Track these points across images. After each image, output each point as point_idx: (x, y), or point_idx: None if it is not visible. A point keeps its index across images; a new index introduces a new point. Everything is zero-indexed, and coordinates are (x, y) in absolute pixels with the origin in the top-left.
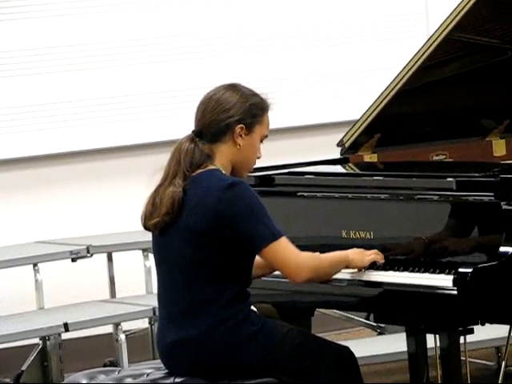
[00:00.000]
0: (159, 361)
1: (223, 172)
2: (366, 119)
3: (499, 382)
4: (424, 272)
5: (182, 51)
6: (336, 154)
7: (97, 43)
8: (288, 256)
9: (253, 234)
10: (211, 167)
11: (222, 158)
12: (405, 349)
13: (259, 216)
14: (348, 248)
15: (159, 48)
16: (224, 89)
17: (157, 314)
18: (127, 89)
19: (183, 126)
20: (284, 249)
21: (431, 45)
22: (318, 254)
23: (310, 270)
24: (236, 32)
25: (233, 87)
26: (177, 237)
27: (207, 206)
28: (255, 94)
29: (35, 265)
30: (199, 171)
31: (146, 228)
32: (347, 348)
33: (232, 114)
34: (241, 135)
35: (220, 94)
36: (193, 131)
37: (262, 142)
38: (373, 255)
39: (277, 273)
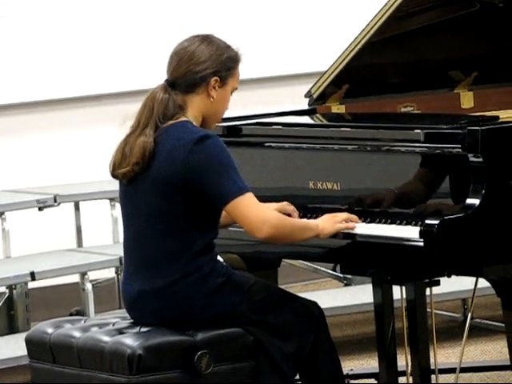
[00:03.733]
0: (125, 310)
1: (194, 124)
2: (335, 70)
3: (465, 333)
4: (391, 223)
5: (153, 1)
6: (304, 104)
7: None
8: (252, 211)
9: (219, 187)
10: (183, 119)
11: (194, 109)
12: (371, 300)
13: (227, 170)
14: (315, 199)
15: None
16: (199, 40)
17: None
18: (96, 38)
19: (152, 75)
20: (249, 204)
21: None
22: (284, 216)
23: (272, 226)
24: None
25: (208, 39)
26: (146, 187)
27: (178, 158)
28: (229, 47)
29: (2, 214)
30: (170, 122)
31: (114, 176)
32: (315, 303)
33: (207, 66)
34: (214, 87)
35: (195, 46)
36: (166, 81)
37: (231, 94)
38: (343, 224)
39: None
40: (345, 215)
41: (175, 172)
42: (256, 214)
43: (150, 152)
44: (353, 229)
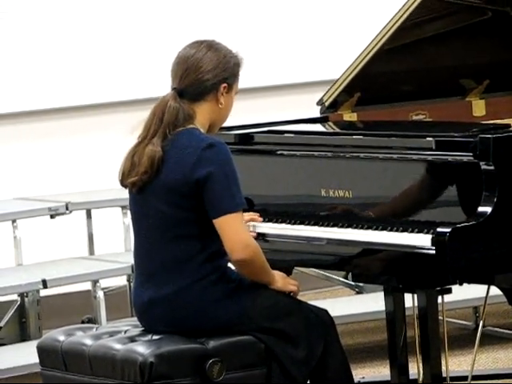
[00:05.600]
0: (137, 318)
1: (201, 130)
2: (346, 78)
3: (476, 341)
4: (403, 231)
5: (156, 9)
6: (316, 112)
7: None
8: (240, 230)
9: (216, 198)
10: (190, 126)
11: (202, 116)
12: (383, 308)
13: (229, 182)
14: (327, 207)
15: (133, 7)
16: (205, 47)
17: None
18: (111, 47)
19: (164, 83)
20: (239, 223)
21: (412, 4)
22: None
23: (252, 252)
24: None
25: (213, 45)
26: (155, 196)
27: (186, 164)
28: (234, 53)
29: (14, 221)
30: (178, 130)
31: (123, 185)
32: (325, 311)
33: (217, 73)
34: (222, 94)
35: (202, 53)
36: (175, 89)
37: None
38: (294, 286)
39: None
40: (295, 283)
41: (184, 178)
42: (243, 235)
43: (158, 161)
44: (296, 293)
